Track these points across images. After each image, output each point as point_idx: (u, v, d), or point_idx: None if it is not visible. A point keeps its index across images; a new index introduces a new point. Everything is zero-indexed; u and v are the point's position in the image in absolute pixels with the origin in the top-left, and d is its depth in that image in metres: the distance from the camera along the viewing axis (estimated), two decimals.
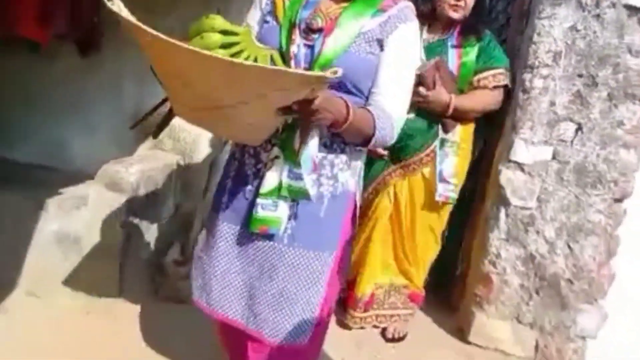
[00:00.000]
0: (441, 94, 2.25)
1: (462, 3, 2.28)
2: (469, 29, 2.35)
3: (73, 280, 2.28)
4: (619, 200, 2.40)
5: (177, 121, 1.35)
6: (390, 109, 1.34)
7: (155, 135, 1.40)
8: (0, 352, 1.92)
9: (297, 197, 1.34)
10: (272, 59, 1.24)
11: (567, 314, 2.46)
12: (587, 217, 2.40)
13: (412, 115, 2.21)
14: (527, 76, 2.37)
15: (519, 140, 2.40)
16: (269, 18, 1.40)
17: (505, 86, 2.39)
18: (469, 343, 2.55)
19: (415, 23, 1.40)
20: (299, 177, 1.30)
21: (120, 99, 2.61)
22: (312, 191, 1.32)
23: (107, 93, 2.61)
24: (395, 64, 1.35)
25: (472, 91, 2.36)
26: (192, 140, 2.60)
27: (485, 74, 2.34)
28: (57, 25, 2.30)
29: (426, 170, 2.37)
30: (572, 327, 2.47)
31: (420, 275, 2.56)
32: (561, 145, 2.38)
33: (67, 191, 2.32)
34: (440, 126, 2.34)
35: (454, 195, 2.40)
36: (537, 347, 2.52)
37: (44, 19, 2.23)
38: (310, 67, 1.30)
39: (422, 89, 2.20)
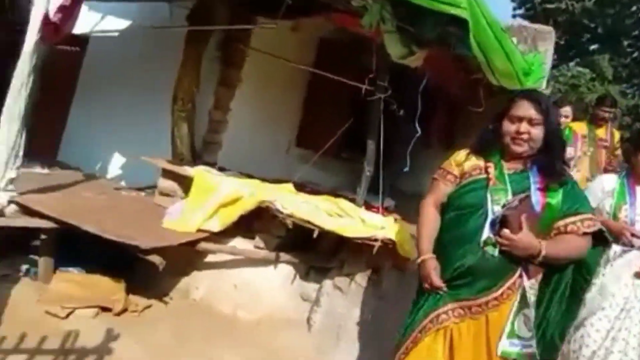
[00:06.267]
0: (531, 239, 2.11)
1: (524, 136, 2.16)
2: (549, 169, 2.20)
3: None
4: None
5: None
6: None
7: None
8: None
9: None
10: None
11: None
12: None
13: (495, 253, 2.13)
14: None
15: None
16: None
17: (594, 233, 2.21)
18: None
19: None
20: None
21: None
22: None
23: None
24: None
25: (559, 236, 2.17)
26: None
27: (572, 218, 2.17)
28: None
29: (492, 315, 2.15)
30: None
31: None
32: None
33: None
34: (521, 271, 2.16)
35: (529, 350, 2.15)
36: None
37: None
38: None
39: (507, 232, 2.08)
